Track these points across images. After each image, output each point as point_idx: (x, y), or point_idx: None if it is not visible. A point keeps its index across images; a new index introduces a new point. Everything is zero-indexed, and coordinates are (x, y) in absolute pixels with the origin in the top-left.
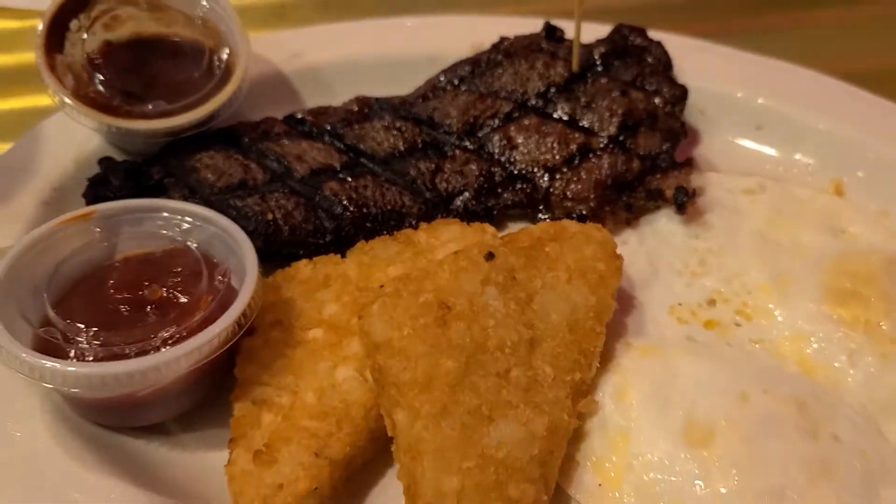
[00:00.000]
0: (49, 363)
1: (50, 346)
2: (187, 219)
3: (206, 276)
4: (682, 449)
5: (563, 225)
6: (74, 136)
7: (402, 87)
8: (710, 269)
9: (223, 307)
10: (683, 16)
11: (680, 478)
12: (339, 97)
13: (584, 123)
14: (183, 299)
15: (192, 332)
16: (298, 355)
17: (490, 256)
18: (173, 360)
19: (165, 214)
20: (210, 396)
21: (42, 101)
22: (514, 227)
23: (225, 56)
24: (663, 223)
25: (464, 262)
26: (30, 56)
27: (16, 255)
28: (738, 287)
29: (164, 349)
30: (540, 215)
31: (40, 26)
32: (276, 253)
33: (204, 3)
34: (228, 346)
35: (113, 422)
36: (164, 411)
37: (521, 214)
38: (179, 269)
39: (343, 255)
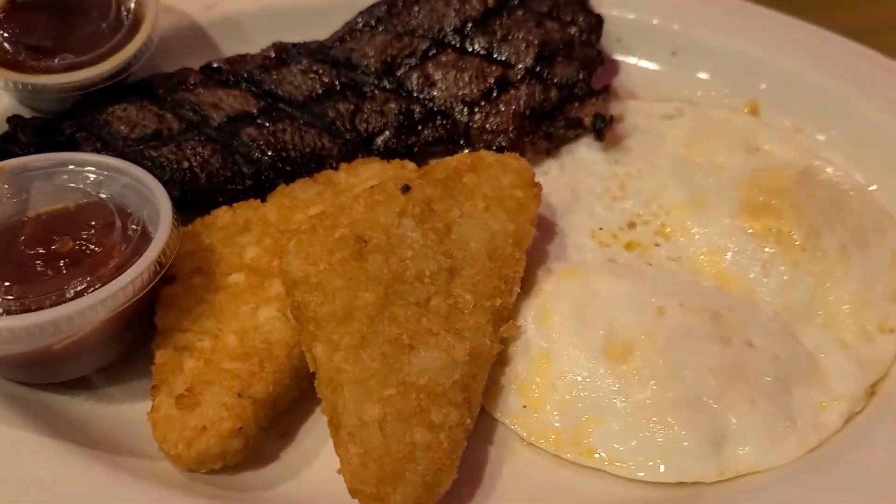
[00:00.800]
0: None
1: None
2: (97, 171)
3: (119, 226)
4: (602, 365)
5: (480, 155)
6: None
7: (323, 32)
8: (630, 193)
9: (138, 255)
10: None
11: (601, 393)
12: (257, 45)
13: (501, 57)
14: (96, 249)
15: (107, 282)
16: (220, 300)
17: (406, 189)
18: (88, 308)
19: (74, 168)
20: (133, 347)
21: None
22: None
23: (132, 5)
24: (584, 151)
25: (379, 196)
26: None
27: None
28: (657, 208)
29: (66, 304)
30: (461, 151)
31: None
32: (195, 202)
33: None
34: (145, 292)
35: (34, 378)
36: (86, 364)
37: (443, 150)
38: (93, 223)
39: (263, 200)
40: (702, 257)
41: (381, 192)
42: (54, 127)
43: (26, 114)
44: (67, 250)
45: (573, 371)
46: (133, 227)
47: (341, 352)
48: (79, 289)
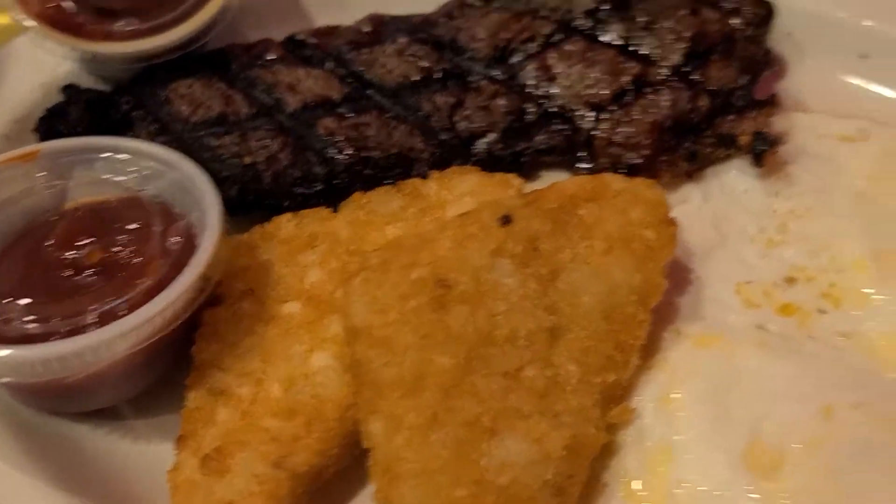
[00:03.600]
0: None
1: None
2: (145, 161)
3: (159, 233)
4: (741, 477)
5: (605, 180)
6: (43, 61)
7: (431, 4)
8: (792, 238)
9: (178, 270)
10: None
11: None
12: (350, 12)
13: (642, 49)
14: (131, 262)
15: (135, 305)
16: (270, 334)
17: (506, 220)
18: (111, 339)
19: (119, 156)
20: (168, 375)
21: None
22: (548, 179)
23: None
24: (734, 177)
25: (472, 227)
26: None
27: None
28: (827, 262)
29: (94, 329)
30: (580, 164)
31: None
32: (255, 204)
33: None
34: (180, 321)
35: (53, 407)
36: (110, 396)
37: (558, 162)
38: (131, 226)
39: (335, 210)
40: (882, 338)
41: (474, 222)
42: (110, 101)
43: (89, 81)
44: (99, 259)
45: (700, 479)
46: (175, 237)
47: (404, 432)
48: (106, 309)
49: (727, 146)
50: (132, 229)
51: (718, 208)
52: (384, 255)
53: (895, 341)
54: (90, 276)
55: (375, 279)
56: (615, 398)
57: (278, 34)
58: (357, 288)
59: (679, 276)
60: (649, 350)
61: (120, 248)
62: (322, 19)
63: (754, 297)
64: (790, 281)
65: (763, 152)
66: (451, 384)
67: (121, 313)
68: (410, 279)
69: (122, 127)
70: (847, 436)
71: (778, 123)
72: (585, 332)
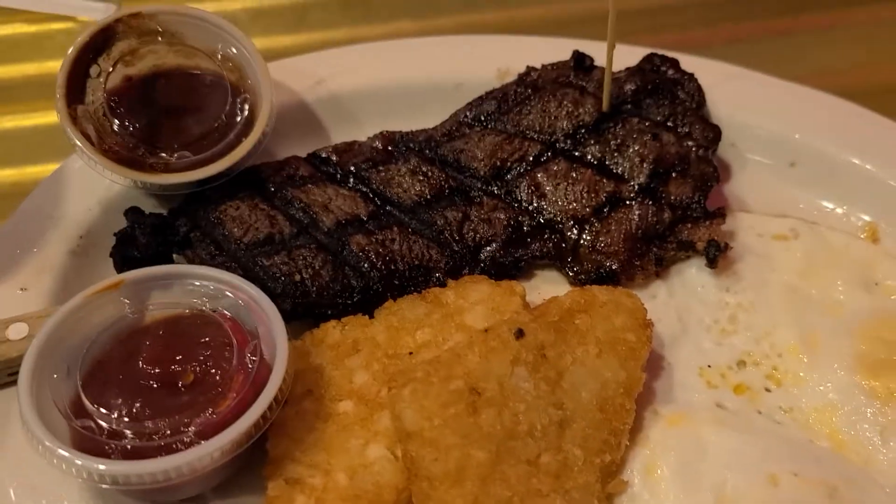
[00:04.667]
0: (82, 461)
1: (86, 440)
2: (213, 284)
3: (236, 352)
4: None
5: (594, 294)
6: (97, 178)
7: (428, 114)
8: (740, 327)
9: (256, 387)
10: (701, 16)
11: None
12: (362, 125)
13: (615, 169)
14: (214, 377)
15: (225, 418)
16: (330, 430)
17: (520, 334)
18: (207, 455)
19: (191, 281)
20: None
21: None
22: (541, 276)
23: (247, 98)
24: (693, 274)
25: (493, 342)
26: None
27: (47, 335)
28: (768, 348)
29: (196, 444)
30: (568, 267)
31: (60, 77)
32: (302, 314)
33: (225, 39)
34: (262, 432)
35: (142, 497)
36: (197, 489)
37: (549, 265)
38: (209, 341)
39: (370, 315)
40: (814, 413)
41: (495, 338)
42: (169, 224)
43: (139, 196)
44: (187, 377)
45: None
46: (251, 356)
47: None
48: (198, 424)
49: (686, 250)
50: (211, 345)
51: (681, 302)
52: (427, 369)
53: (824, 416)
54: (182, 392)
55: (422, 390)
56: (612, 474)
57: (300, 149)
58: (407, 397)
59: (654, 364)
60: (634, 428)
61: (205, 364)
62: (334, 128)
63: (713, 379)
64: (741, 364)
65: (716, 258)
66: (487, 473)
67: (213, 428)
68: (449, 389)
69: (182, 247)
70: (788, 499)
71: (726, 223)
72: (585, 422)
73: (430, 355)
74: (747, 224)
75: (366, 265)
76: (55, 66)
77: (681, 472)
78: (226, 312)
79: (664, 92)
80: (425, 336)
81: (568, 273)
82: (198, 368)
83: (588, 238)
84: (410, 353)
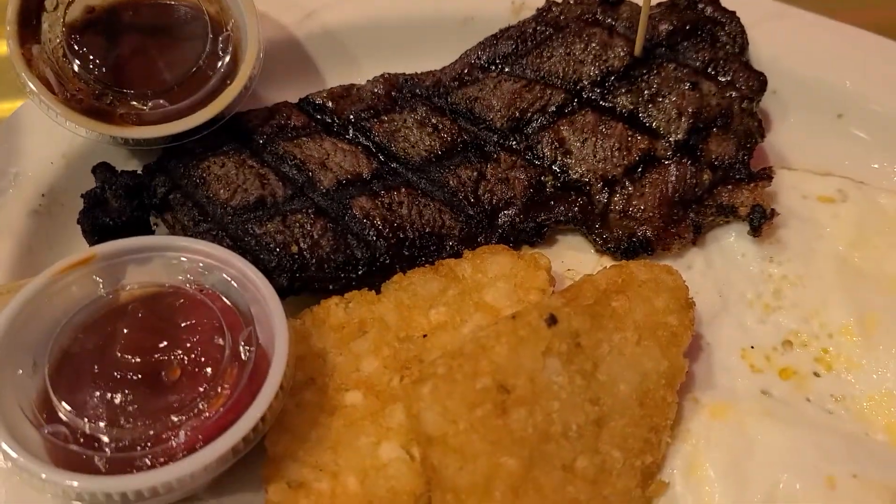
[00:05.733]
0: (63, 480)
1: (58, 450)
2: (198, 258)
3: (229, 339)
4: None
5: (631, 271)
6: (57, 128)
7: (433, 54)
8: (786, 303)
9: (253, 381)
10: None
11: None
12: (359, 65)
13: (649, 123)
14: (204, 370)
15: (219, 420)
16: (335, 424)
17: (552, 321)
18: (200, 467)
19: (178, 256)
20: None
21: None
22: (564, 243)
23: (229, 31)
24: (732, 241)
25: (523, 331)
26: None
27: (7, 322)
28: (817, 327)
29: (187, 452)
30: (595, 237)
31: (10, 11)
32: (300, 289)
33: None
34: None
35: None
36: (191, 493)
37: (574, 231)
38: (196, 326)
39: (377, 291)
40: (870, 402)
41: (524, 326)
42: (146, 185)
43: (106, 151)
44: (173, 370)
45: None
46: (244, 342)
47: None
48: (187, 433)
49: (726, 215)
50: (198, 330)
51: (720, 274)
52: (449, 364)
53: (880, 404)
54: (168, 388)
55: (444, 388)
56: (652, 475)
57: (290, 93)
58: (427, 397)
59: (692, 344)
60: (673, 420)
61: (192, 354)
62: (328, 70)
63: (757, 361)
64: (787, 345)
65: (761, 223)
66: (518, 482)
67: (206, 432)
68: (475, 388)
69: (160, 210)
70: None
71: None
72: (625, 420)
73: (447, 338)
74: (790, 183)
75: (371, 233)
76: None
77: (727, 472)
78: (214, 291)
79: (703, 34)
80: (440, 316)
81: (595, 240)
82: (184, 360)
83: (619, 201)
84: (424, 336)
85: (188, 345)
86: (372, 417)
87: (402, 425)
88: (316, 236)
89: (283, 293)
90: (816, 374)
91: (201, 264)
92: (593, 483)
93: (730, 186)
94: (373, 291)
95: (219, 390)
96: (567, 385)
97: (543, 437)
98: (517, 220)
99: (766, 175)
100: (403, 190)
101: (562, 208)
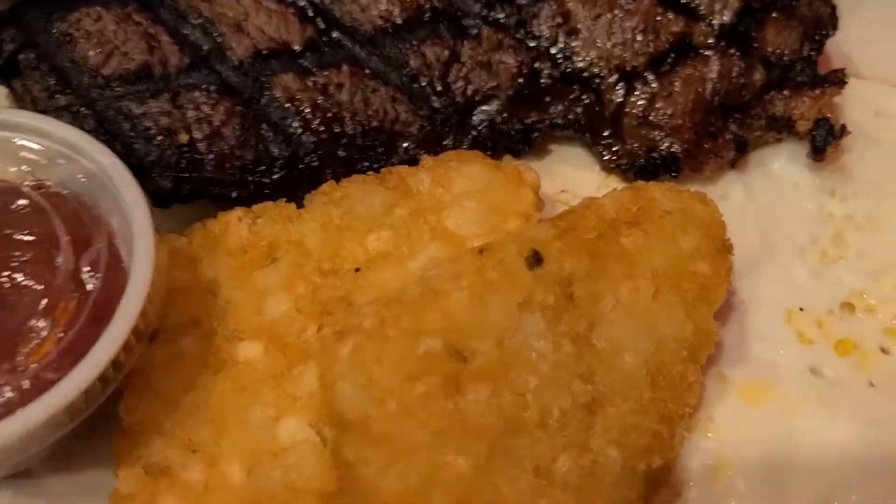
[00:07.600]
0: None
1: None
2: (51, 145)
3: (68, 258)
4: None
5: (653, 196)
6: None
7: None
8: (850, 253)
9: (100, 315)
10: None
11: None
12: None
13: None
14: (35, 298)
15: (51, 366)
16: (221, 388)
17: (536, 260)
18: (23, 434)
19: (16, 138)
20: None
21: None
22: (559, 155)
23: None
24: (783, 166)
25: (493, 273)
26: None
27: None
28: (891, 289)
29: (7, 410)
30: (602, 149)
31: None
32: (193, 194)
33: None
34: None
35: None
36: (17, 468)
37: (575, 137)
38: (26, 237)
39: (298, 204)
40: None
41: (495, 265)
42: None
43: None
44: None
45: None
46: (90, 266)
47: None
48: (9, 379)
49: (780, 130)
50: (31, 245)
51: (764, 207)
52: (381, 314)
53: None
54: None
55: (371, 350)
56: (660, 483)
57: None
58: (346, 360)
59: (723, 303)
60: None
61: (17, 278)
62: None
63: (807, 329)
64: (848, 308)
65: (826, 144)
66: (470, 490)
67: (33, 385)
68: (416, 353)
69: (6, 74)
70: None
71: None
72: (628, 405)
73: (388, 275)
74: (859, 96)
75: (295, 123)
76: None
77: (761, 482)
78: (60, 192)
79: None
80: (382, 243)
81: (602, 154)
82: (6, 284)
83: (638, 102)
84: (357, 270)
85: (12, 264)
86: (274, 381)
87: (316, 395)
88: (217, 123)
89: (165, 199)
90: (884, 351)
91: (47, 152)
92: (577, 492)
93: (787, 92)
94: (292, 204)
95: (49, 330)
96: (550, 353)
97: (511, 427)
98: (499, 119)
99: (838, 79)
100: (345, 68)
101: (560, 107)
